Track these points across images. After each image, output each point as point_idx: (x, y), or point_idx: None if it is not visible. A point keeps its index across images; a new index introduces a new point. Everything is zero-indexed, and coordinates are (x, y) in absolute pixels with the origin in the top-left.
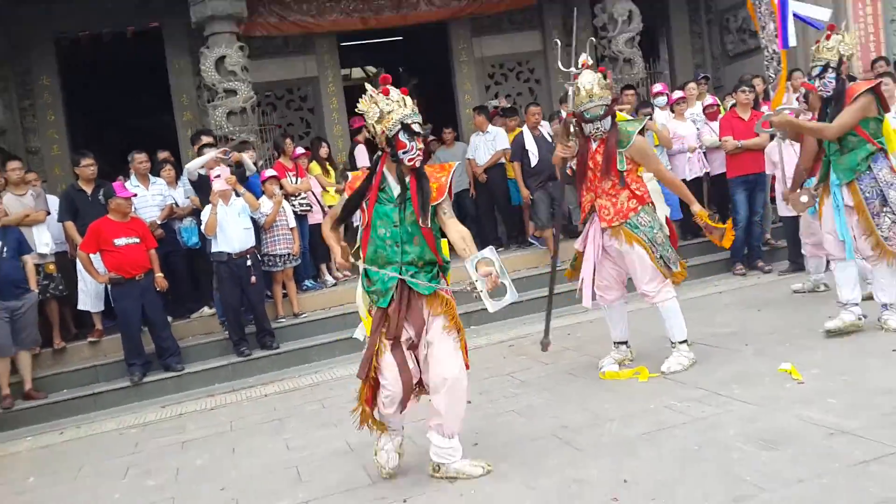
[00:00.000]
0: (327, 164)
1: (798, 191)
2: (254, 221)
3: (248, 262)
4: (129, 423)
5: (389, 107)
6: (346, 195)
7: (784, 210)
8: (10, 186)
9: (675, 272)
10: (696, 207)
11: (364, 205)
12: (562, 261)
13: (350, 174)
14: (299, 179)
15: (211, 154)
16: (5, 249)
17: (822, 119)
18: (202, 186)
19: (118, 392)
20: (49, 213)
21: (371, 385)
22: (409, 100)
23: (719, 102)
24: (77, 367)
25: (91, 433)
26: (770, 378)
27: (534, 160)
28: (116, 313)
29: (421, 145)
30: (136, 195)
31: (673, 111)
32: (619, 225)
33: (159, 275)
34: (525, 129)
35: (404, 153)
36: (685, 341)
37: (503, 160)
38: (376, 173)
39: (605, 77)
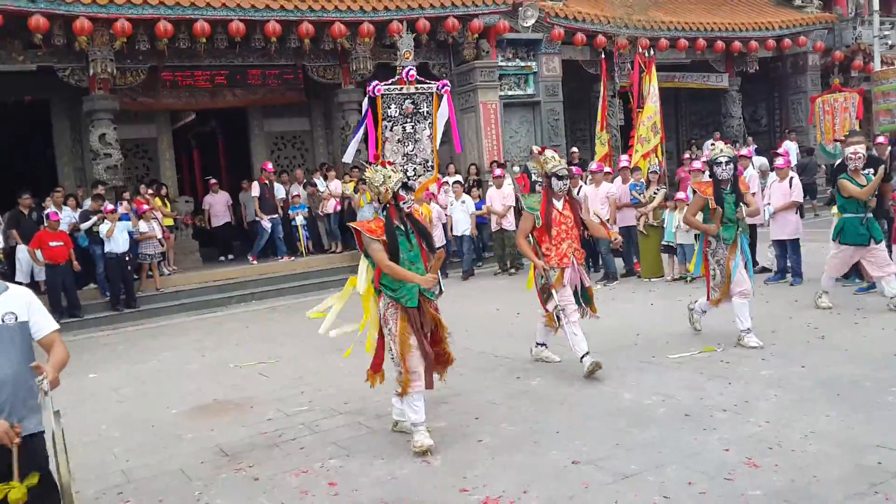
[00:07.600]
0: (166, 199)
1: None
2: (130, 235)
3: (128, 257)
4: None
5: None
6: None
7: None
8: None
9: None
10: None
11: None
12: None
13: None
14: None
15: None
16: None
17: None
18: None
19: None
20: None
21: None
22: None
23: None
24: None
25: None
26: None
27: None
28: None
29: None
30: (59, 218)
31: None
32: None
33: (75, 262)
34: None
35: (404, 203)
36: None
37: None
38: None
39: None
